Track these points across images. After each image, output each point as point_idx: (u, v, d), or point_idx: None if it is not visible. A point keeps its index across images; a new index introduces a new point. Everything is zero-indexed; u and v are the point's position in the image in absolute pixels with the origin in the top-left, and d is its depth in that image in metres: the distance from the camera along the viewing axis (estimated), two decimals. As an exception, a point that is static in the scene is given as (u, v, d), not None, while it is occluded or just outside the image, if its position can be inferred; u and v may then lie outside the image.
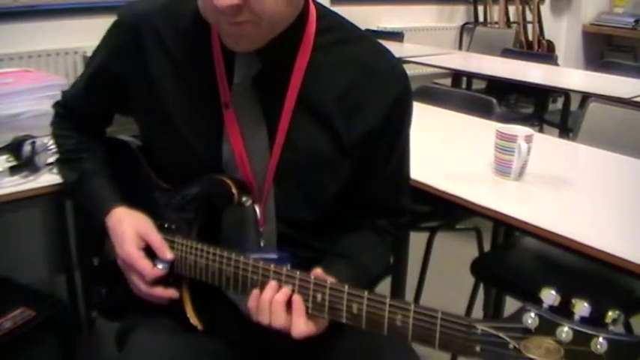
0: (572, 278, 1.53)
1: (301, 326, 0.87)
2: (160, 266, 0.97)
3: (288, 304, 0.88)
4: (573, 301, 0.70)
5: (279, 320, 0.87)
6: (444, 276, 2.39)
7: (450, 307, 0.79)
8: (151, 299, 1.00)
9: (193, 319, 1.00)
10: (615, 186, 1.50)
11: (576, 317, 0.69)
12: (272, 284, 0.89)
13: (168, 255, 0.98)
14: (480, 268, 1.72)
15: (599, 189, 1.47)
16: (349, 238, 1.06)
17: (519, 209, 1.27)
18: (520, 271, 1.68)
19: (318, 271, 0.89)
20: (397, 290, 1.86)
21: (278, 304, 0.87)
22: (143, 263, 0.97)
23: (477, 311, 2.20)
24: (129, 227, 0.99)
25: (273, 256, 0.97)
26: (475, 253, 1.95)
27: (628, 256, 1.09)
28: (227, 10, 0.83)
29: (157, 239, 0.99)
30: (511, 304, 1.93)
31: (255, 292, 0.89)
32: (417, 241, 1.88)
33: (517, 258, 1.77)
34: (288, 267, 1.01)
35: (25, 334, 1.60)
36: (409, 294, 2.06)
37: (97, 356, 1.96)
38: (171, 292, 0.99)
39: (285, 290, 0.88)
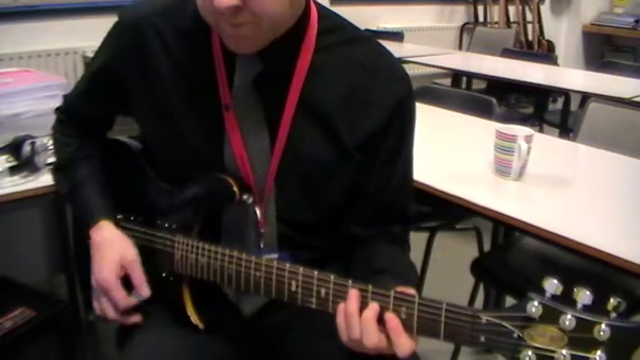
0: (572, 278, 1.52)
1: (407, 345, 0.81)
2: (134, 297, 0.99)
3: (379, 321, 0.82)
4: (575, 289, 0.71)
5: (372, 340, 0.81)
6: (444, 276, 2.39)
7: (450, 306, 0.79)
8: (119, 322, 1.02)
9: (194, 318, 1.00)
10: (615, 186, 1.50)
11: (579, 305, 0.71)
12: (353, 293, 0.83)
13: (146, 292, 0.99)
14: (479, 268, 1.72)
15: (599, 189, 1.47)
16: (377, 253, 1.03)
17: (519, 209, 1.27)
18: (520, 271, 1.68)
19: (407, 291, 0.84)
20: (397, 290, 1.86)
21: (370, 323, 0.81)
22: (119, 294, 0.98)
23: (477, 311, 2.20)
24: (112, 254, 1.00)
25: (274, 256, 0.97)
26: (475, 253, 1.95)
27: (628, 256, 1.09)
28: (226, 11, 0.83)
29: (138, 274, 0.99)
30: (511, 304, 1.92)
31: (341, 306, 0.84)
32: (417, 241, 1.88)
33: (517, 258, 1.77)
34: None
35: (25, 334, 1.60)
36: (409, 294, 2.05)
37: (97, 356, 1.96)
38: (135, 318, 1.01)
39: (374, 307, 0.82)
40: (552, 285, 0.72)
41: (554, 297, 0.72)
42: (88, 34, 1.65)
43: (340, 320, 0.84)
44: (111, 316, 1.01)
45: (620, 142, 1.80)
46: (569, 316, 0.70)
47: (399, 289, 0.84)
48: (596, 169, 1.64)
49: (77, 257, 1.21)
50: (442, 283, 2.34)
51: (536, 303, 0.72)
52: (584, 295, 0.70)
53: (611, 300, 0.70)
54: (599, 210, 1.33)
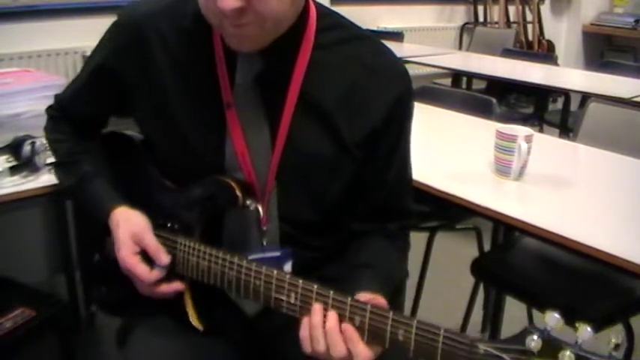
0: (572, 278, 1.53)
1: (364, 353, 0.83)
2: (157, 269, 0.97)
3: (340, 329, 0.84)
4: (577, 324, 0.70)
5: (338, 351, 0.83)
6: (444, 276, 2.39)
7: (450, 306, 0.79)
8: (159, 297, 0.99)
9: (194, 321, 1.00)
10: (615, 186, 1.50)
11: (579, 340, 0.69)
12: (317, 308, 0.84)
13: (164, 259, 0.97)
14: (480, 268, 1.72)
15: (599, 189, 1.47)
16: (365, 247, 1.05)
17: (519, 209, 1.27)
18: (520, 271, 1.68)
19: (364, 296, 0.87)
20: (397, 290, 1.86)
21: (334, 333, 0.83)
22: (139, 269, 0.96)
23: (477, 311, 2.21)
24: (124, 233, 0.98)
25: (276, 253, 0.97)
26: (475, 253, 1.95)
27: (628, 256, 1.09)
28: (231, 13, 0.83)
29: (151, 244, 0.97)
30: (511, 304, 1.93)
31: (306, 320, 0.86)
32: (417, 241, 1.88)
33: (517, 258, 1.77)
34: (290, 265, 1.01)
35: (25, 334, 1.60)
36: (409, 294, 2.06)
37: (97, 356, 1.96)
38: (176, 286, 0.98)
39: (333, 315, 0.84)
40: (553, 319, 0.71)
41: (554, 331, 0.71)
42: (88, 34, 1.65)
43: (304, 333, 0.85)
44: (147, 293, 0.98)
45: (620, 142, 1.80)
46: (568, 353, 0.69)
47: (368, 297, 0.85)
48: (596, 169, 1.64)
49: (79, 252, 1.21)
50: (442, 283, 2.34)
51: (535, 337, 0.71)
52: (584, 331, 0.69)
53: (613, 339, 0.68)
54: (599, 210, 1.33)
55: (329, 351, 0.83)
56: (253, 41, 0.90)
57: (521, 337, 0.72)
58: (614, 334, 0.69)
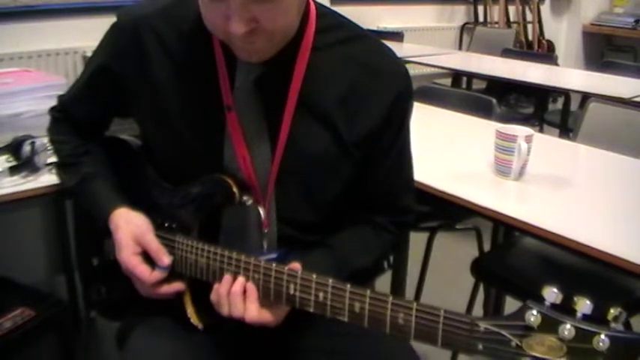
0: (572, 278, 1.53)
1: (253, 312, 0.89)
2: (158, 270, 0.97)
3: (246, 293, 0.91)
4: (575, 298, 0.70)
5: (237, 310, 0.90)
6: (444, 276, 2.39)
7: (450, 307, 0.79)
8: (159, 298, 0.99)
9: (194, 319, 1.00)
10: (615, 186, 1.50)
11: (578, 315, 0.70)
12: (227, 278, 0.91)
13: (166, 260, 0.97)
14: (480, 268, 1.72)
15: (599, 189, 1.47)
16: (340, 230, 1.06)
17: (519, 209, 1.27)
18: (520, 271, 1.68)
19: (295, 265, 0.89)
20: (397, 290, 1.86)
21: (236, 296, 0.90)
22: (140, 269, 0.96)
23: (477, 311, 2.20)
24: (125, 234, 0.98)
25: (273, 255, 0.97)
26: (475, 253, 1.95)
27: (628, 256, 1.08)
28: (242, 36, 0.84)
29: (152, 244, 0.97)
30: (511, 304, 1.92)
31: (216, 285, 0.92)
32: (417, 241, 1.89)
33: (517, 258, 1.77)
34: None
35: (25, 334, 1.60)
36: (409, 294, 2.06)
37: (97, 356, 1.96)
38: (176, 286, 0.99)
39: (241, 280, 0.90)
40: (552, 294, 0.71)
41: (553, 305, 0.71)
42: (88, 34, 1.65)
43: (213, 298, 0.92)
44: (148, 294, 0.99)
45: (620, 142, 1.80)
46: (568, 326, 0.69)
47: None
48: (596, 169, 1.64)
49: (78, 254, 1.21)
50: (442, 283, 2.34)
51: (534, 312, 0.71)
52: (584, 305, 0.69)
53: (612, 310, 0.69)
54: (599, 210, 1.33)
55: (231, 310, 0.90)
56: (263, 53, 0.91)
57: (520, 313, 0.72)
58: (614, 307, 0.69)
